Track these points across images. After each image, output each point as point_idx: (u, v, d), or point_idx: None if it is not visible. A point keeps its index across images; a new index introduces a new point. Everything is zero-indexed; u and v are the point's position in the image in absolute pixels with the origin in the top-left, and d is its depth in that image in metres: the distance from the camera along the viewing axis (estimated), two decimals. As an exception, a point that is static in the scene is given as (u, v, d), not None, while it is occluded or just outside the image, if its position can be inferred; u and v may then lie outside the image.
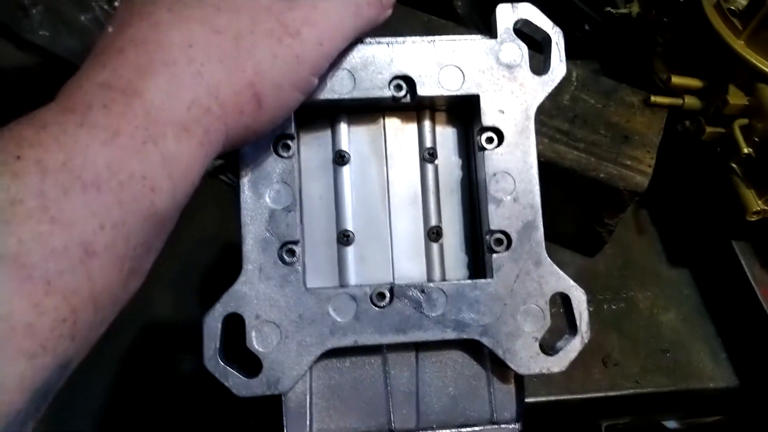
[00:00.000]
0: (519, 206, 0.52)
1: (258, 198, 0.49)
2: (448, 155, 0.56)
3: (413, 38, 0.53)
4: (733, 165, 0.77)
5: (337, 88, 0.50)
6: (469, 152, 0.55)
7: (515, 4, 0.53)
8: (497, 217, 0.51)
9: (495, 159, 0.51)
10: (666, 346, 0.84)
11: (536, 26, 0.53)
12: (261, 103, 0.41)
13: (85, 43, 0.95)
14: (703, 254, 0.89)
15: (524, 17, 0.53)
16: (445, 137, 0.56)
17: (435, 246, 0.54)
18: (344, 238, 0.53)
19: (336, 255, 0.53)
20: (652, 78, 0.92)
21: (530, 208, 0.52)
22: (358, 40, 0.52)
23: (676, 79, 0.82)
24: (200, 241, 0.92)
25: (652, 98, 0.82)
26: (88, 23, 1.10)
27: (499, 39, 0.52)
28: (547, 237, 0.90)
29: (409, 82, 0.51)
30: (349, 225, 0.54)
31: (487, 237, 0.51)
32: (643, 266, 0.91)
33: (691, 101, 0.83)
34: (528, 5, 0.53)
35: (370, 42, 0.52)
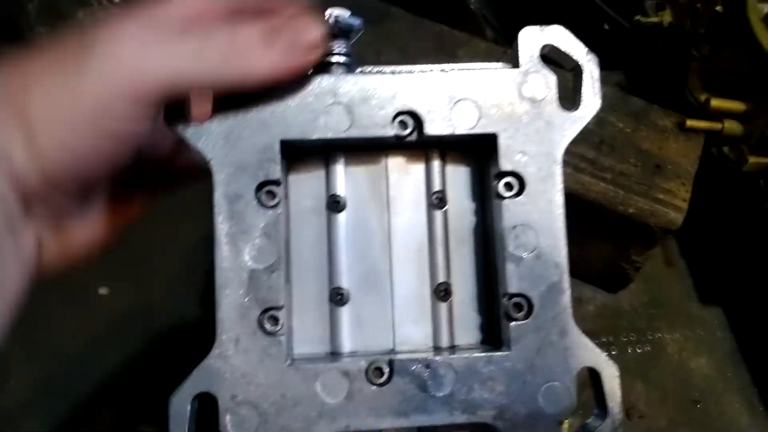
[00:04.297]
0: (542, 265, 0.44)
1: (236, 256, 0.42)
2: (460, 199, 0.48)
3: (422, 67, 0.45)
4: (779, 201, 0.69)
5: (332, 125, 0.43)
6: (485, 196, 0.48)
7: (542, 27, 0.45)
8: (516, 278, 0.43)
9: (514, 209, 0.44)
10: (697, 396, 0.76)
11: (566, 54, 0.45)
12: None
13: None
14: (738, 293, 0.81)
15: (552, 43, 0.45)
16: (457, 179, 0.48)
17: (443, 306, 0.47)
18: (337, 297, 0.46)
19: (328, 316, 0.46)
20: (686, 97, 0.84)
21: (555, 267, 0.44)
22: (355, 69, 0.45)
23: (715, 102, 0.74)
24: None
25: (688, 122, 0.74)
26: (86, 18, 1.05)
27: (522, 68, 0.44)
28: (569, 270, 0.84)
29: (416, 118, 0.44)
30: (344, 281, 0.46)
31: (505, 301, 0.43)
32: (671, 304, 0.83)
33: (731, 126, 0.75)
34: (558, 28, 0.45)
35: (371, 71, 0.45)
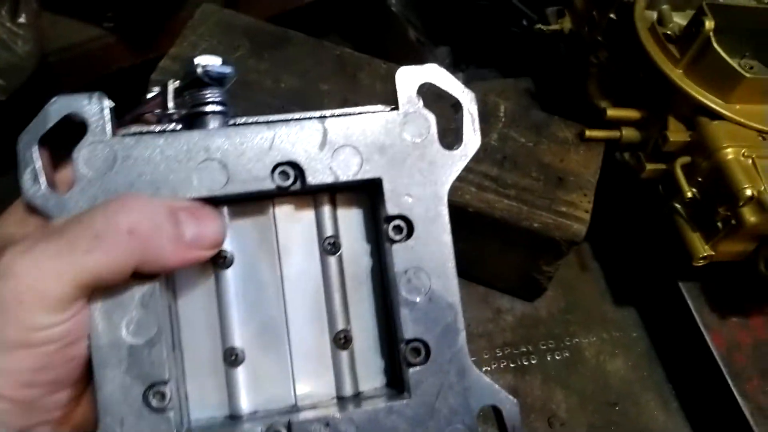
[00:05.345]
0: (436, 307, 0.43)
1: (113, 332, 0.39)
2: (354, 242, 0.47)
3: (299, 114, 0.44)
4: (677, 206, 0.70)
5: (207, 182, 0.41)
6: (378, 238, 0.47)
7: (418, 67, 0.44)
8: (411, 323, 0.43)
9: (405, 253, 0.43)
10: (615, 399, 0.78)
11: (445, 91, 0.45)
12: None
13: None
14: (649, 294, 0.83)
15: (430, 81, 0.44)
16: (350, 221, 0.47)
17: (344, 354, 0.46)
18: (231, 357, 0.44)
19: (224, 378, 0.45)
20: (588, 103, 0.85)
21: (449, 308, 0.44)
22: (231, 115, 0.44)
23: (612, 112, 0.76)
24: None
25: (587, 133, 0.75)
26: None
27: (401, 110, 0.44)
28: (485, 284, 0.84)
29: (297, 168, 0.43)
30: (237, 340, 0.45)
31: (402, 346, 0.43)
32: (587, 308, 0.84)
33: (629, 134, 0.77)
34: (433, 67, 0.45)
35: (245, 121, 0.43)
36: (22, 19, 1.07)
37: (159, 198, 0.40)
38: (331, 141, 0.43)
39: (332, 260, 0.46)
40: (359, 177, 0.43)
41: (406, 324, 0.43)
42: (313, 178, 0.43)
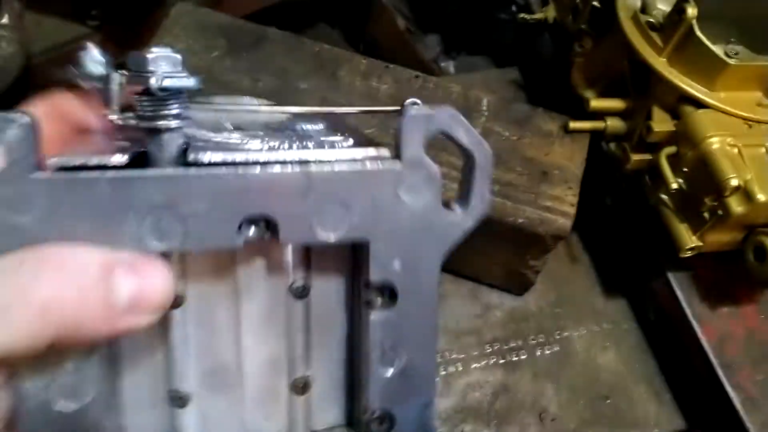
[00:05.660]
0: (408, 381, 0.40)
1: (41, 401, 0.35)
2: (326, 287, 0.42)
3: (280, 155, 0.36)
4: (664, 196, 0.69)
5: (157, 237, 0.34)
6: (354, 288, 0.42)
7: (432, 109, 0.37)
8: (380, 395, 0.40)
9: (383, 323, 0.39)
10: (606, 392, 0.77)
11: (459, 143, 0.38)
12: None
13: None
14: (639, 285, 0.83)
15: (443, 129, 0.37)
16: (325, 266, 0.42)
17: (301, 399, 0.42)
18: (177, 400, 0.41)
19: (169, 420, 0.41)
20: (573, 94, 0.84)
21: (422, 381, 0.40)
22: (186, 141, 0.37)
23: (596, 103, 0.74)
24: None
25: (571, 125, 0.74)
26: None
27: (404, 162, 0.37)
28: (473, 279, 0.83)
29: (269, 222, 0.36)
30: (183, 384, 0.41)
31: (367, 416, 0.40)
32: (577, 301, 0.84)
33: (614, 124, 0.75)
34: (448, 111, 0.37)
35: (213, 163, 0.35)
36: (5, 20, 1.06)
37: (92, 249, 0.33)
38: (316, 191, 0.36)
39: (299, 304, 0.41)
40: (343, 237, 0.37)
41: (373, 396, 0.40)
42: (289, 236, 0.36)
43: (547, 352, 0.79)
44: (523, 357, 0.78)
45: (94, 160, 0.34)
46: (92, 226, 0.33)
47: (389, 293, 0.39)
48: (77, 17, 1.18)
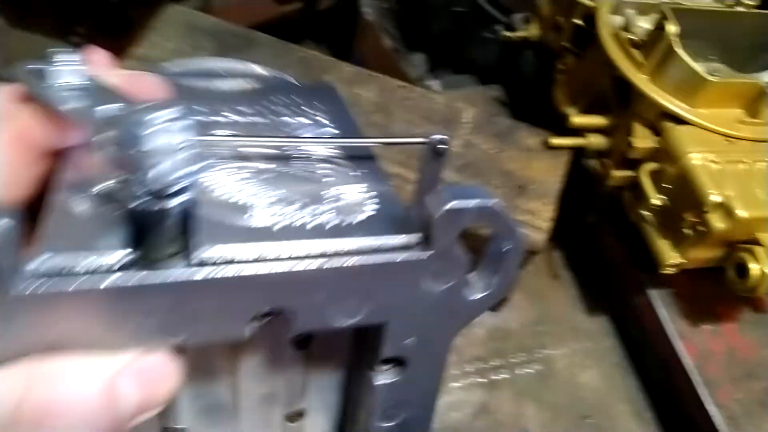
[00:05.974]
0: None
1: None
2: (330, 339, 0.40)
3: (295, 247, 0.31)
4: (645, 213, 0.69)
5: (160, 335, 0.30)
6: (362, 353, 0.41)
7: (472, 205, 0.32)
8: None
9: (388, 388, 0.38)
10: (588, 411, 0.76)
11: (496, 233, 0.35)
12: None
13: None
14: (621, 302, 0.82)
15: (482, 222, 0.33)
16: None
17: (293, 425, 0.43)
18: None
19: None
20: (555, 111, 0.84)
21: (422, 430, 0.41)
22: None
23: (577, 119, 0.74)
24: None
25: (551, 140, 0.74)
26: None
27: (435, 254, 0.33)
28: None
29: (281, 313, 0.33)
30: (179, 421, 0.40)
31: None
32: (558, 318, 0.83)
33: (596, 140, 0.75)
34: (490, 203, 0.33)
35: (223, 262, 0.31)
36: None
37: (91, 362, 0.28)
38: (336, 285, 0.33)
39: (300, 353, 0.40)
40: (359, 322, 0.34)
41: None
42: (303, 326, 0.33)
43: (529, 370, 0.78)
44: (504, 376, 0.77)
45: (83, 265, 0.28)
46: (89, 334, 0.29)
47: (400, 365, 0.38)
48: (61, 34, 1.18)
